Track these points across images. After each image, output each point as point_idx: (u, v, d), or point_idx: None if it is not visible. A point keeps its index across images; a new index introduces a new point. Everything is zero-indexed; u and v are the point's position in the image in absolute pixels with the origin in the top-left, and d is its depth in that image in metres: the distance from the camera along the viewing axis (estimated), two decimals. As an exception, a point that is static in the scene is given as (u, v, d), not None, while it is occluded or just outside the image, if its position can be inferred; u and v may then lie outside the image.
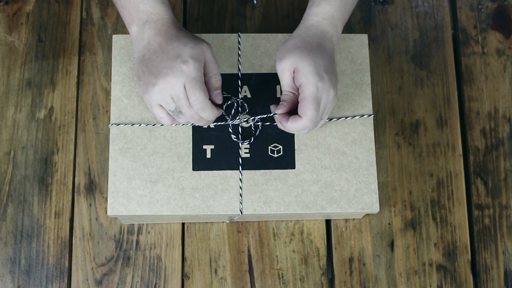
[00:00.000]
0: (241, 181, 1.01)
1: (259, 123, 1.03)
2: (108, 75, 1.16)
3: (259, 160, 1.02)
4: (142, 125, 1.02)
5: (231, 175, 1.01)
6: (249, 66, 1.06)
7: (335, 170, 1.02)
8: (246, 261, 1.10)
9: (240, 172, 1.01)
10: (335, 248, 1.11)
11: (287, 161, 1.02)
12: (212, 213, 1.00)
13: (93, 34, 1.18)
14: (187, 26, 1.19)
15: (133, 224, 1.10)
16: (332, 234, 1.12)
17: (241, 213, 1.00)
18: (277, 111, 0.97)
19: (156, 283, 1.09)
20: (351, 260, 1.11)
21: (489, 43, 1.21)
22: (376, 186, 1.02)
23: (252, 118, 1.03)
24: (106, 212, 1.10)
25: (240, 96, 1.04)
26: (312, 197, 1.01)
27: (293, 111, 0.98)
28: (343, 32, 1.19)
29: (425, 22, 1.22)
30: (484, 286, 1.12)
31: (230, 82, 1.05)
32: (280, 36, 1.08)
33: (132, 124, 1.02)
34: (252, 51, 1.07)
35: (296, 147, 1.03)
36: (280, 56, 0.97)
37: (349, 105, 1.05)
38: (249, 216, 1.06)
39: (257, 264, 1.10)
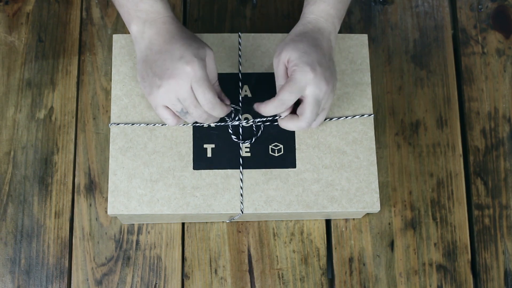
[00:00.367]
0: (241, 180, 1.01)
1: (260, 124, 1.03)
2: (108, 75, 1.16)
3: (260, 159, 1.02)
4: (142, 124, 1.02)
5: (232, 174, 1.01)
6: (249, 66, 1.06)
7: (335, 169, 1.02)
8: (246, 261, 1.10)
9: (241, 171, 1.01)
10: (335, 248, 1.11)
11: (288, 160, 1.02)
12: (212, 212, 1.00)
13: (93, 34, 1.18)
14: (187, 26, 1.19)
15: (133, 224, 1.10)
16: (332, 234, 1.12)
17: (242, 212, 1.00)
18: (282, 114, 0.98)
19: (156, 283, 1.09)
20: (351, 260, 1.11)
21: (489, 43, 1.21)
22: (377, 185, 1.02)
23: (252, 120, 1.03)
24: (106, 212, 1.10)
25: (240, 96, 1.04)
26: (313, 196, 1.01)
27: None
28: (343, 32, 1.19)
29: (425, 22, 1.22)
30: (484, 286, 1.12)
31: (230, 82, 1.05)
32: (280, 36, 1.08)
33: (133, 123, 1.02)
34: (253, 51, 1.07)
35: (297, 146, 1.03)
36: (277, 52, 0.97)
37: (350, 104, 1.05)
38: (249, 216, 1.06)
39: (257, 264, 1.10)
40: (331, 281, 1.11)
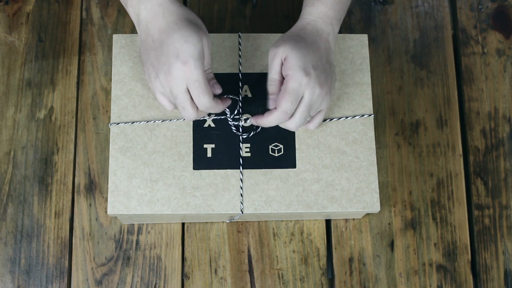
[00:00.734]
0: (241, 180, 1.01)
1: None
2: (108, 75, 1.16)
3: (260, 159, 1.02)
4: (142, 123, 1.02)
5: (232, 174, 1.01)
6: (249, 66, 1.06)
7: (335, 169, 1.02)
8: (246, 261, 1.10)
9: (241, 171, 1.01)
10: (335, 248, 1.11)
11: (288, 160, 1.02)
12: (212, 212, 1.00)
13: (93, 34, 1.18)
14: (187, 26, 1.19)
15: (133, 224, 1.10)
16: (332, 234, 1.12)
17: (242, 212, 1.00)
18: (271, 107, 0.97)
19: (156, 283, 1.09)
20: (351, 260, 1.11)
21: (489, 43, 1.21)
22: (377, 186, 1.02)
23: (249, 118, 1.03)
24: (106, 212, 1.10)
25: (240, 96, 1.04)
26: (313, 196, 1.01)
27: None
28: (343, 32, 1.19)
29: (425, 22, 1.22)
30: (484, 286, 1.12)
31: (230, 82, 1.05)
32: (280, 36, 1.08)
33: (133, 123, 1.02)
34: (253, 51, 1.07)
35: (297, 146, 1.03)
36: (275, 44, 0.96)
37: (350, 104, 1.05)
38: (249, 216, 1.06)
39: (257, 264, 1.10)
40: (331, 281, 1.11)
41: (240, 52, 1.06)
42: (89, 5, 1.19)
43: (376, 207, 1.02)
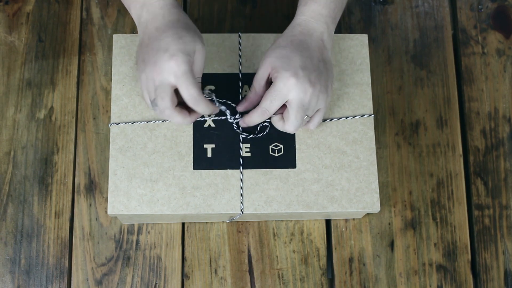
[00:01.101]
0: (242, 180, 1.01)
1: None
2: (108, 75, 1.16)
3: (260, 159, 1.02)
4: (142, 123, 1.02)
5: (232, 174, 1.01)
6: (249, 66, 1.06)
7: (336, 169, 1.02)
8: (246, 261, 1.10)
9: (241, 171, 1.01)
10: (335, 248, 1.11)
11: (288, 160, 1.02)
12: (212, 212, 1.00)
13: (93, 34, 1.18)
14: (187, 26, 1.19)
15: (133, 224, 1.10)
16: (332, 234, 1.12)
17: (242, 212, 1.00)
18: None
19: (156, 283, 1.09)
20: (351, 260, 1.11)
21: (489, 43, 1.21)
22: (377, 186, 1.02)
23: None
24: (106, 212, 1.10)
25: (240, 96, 1.04)
26: (313, 196, 1.01)
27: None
28: (343, 32, 1.19)
29: (425, 22, 1.22)
30: (484, 286, 1.12)
31: (230, 82, 1.05)
32: (274, 39, 1.08)
33: (133, 123, 1.02)
34: (253, 51, 1.07)
35: (297, 146, 1.03)
36: (263, 57, 0.97)
37: (350, 105, 1.05)
38: (249, 216, 1.06)
39: (257, 264, 1.10)
40: (331, 281, 1.11)
41: (240, 52, 1.06)
42: (89, 5, 1.19)
43: (376, 207, 1.02)
